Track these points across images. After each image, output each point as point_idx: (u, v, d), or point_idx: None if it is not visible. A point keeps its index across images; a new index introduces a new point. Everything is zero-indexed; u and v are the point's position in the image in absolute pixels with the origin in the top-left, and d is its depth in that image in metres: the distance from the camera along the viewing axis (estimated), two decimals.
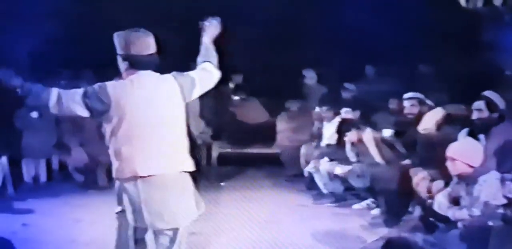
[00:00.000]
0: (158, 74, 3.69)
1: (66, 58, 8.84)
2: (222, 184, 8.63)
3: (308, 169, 7.64)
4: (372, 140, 6.83)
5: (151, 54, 3.67)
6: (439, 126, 5.84)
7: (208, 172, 8.98)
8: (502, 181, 4.37)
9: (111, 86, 3.59)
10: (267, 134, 9.36)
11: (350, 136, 7.02)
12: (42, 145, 7.93)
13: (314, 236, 5.72)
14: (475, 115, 5.46)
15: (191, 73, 3.80)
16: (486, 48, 7.91)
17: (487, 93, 5.56)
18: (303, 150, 8.26)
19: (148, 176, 3.55)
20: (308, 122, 8.80)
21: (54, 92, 3.57)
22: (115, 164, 3.65)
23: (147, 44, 3.67)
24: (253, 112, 9.80)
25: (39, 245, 5.41)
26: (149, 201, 3.57)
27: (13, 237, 5.25)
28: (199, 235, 5.76)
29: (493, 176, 4.40)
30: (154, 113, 3.58)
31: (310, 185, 7.82)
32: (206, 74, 3.84)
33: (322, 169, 7.26)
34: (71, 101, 3.55)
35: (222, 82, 10.55)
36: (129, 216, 3.66)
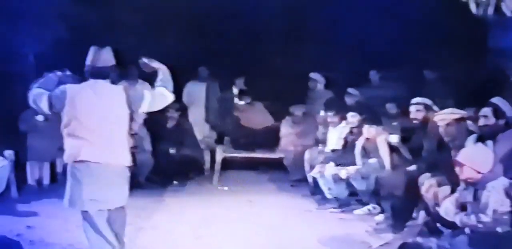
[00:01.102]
0: (109, 84, 4.46)
1: (71, 59, 8.82)
2: (225, 188, 8.61)
3: (312, 174, 7.62)
4: (385, 142, 6.81)
5: (110, 66, 4.46)
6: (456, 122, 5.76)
7: (212, 176, 8.98)
8: (510, 187, 4.36)
9: (70, 88, 4.37)
10: (271, 138, 9.35)
11: (368, 130, 7.00)
12: (47, 148, 7.91)
13: (319, 241, 5.71)
14: (481, 122, 5.44)
15: (145, 88, 4.57)
16: (493, 55, 7.90)
17: (494, 99, 5.53)
18: (307, 155, 8.23)
19: (92, 162, 4.29)
20: (312, 127, 8.80)
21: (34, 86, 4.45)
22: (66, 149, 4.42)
23: (107, 57, 4.47)
24: (257, 117, 9.79)
25: (44, 247, 5.41)
26: (89, 183, 4.29)
27: (18, 239, 5.25)
28: (204, 239, 5.76)
29: (501, 182, 4.40)
30: (99, 114, 4.32)
31: (314, 190, 7.81)
32: (160, 96, 4.53)
33: (327, 174, 7.23)
34: (40, 97, 4.38)
35: (227, 86, 10.53)
36: (67, 199, 4.37)
